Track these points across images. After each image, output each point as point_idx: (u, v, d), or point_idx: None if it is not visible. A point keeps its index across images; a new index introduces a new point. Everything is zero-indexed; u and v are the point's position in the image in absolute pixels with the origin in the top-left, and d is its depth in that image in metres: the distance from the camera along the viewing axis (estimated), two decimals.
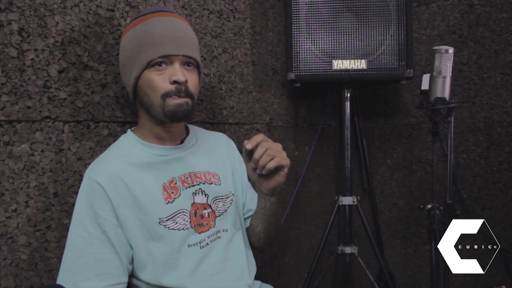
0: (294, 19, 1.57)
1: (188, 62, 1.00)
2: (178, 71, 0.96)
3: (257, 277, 1.13)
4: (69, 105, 1.07)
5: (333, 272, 2.00)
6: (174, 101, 0.96)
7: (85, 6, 1.11)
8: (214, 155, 1.14)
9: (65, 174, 1.06)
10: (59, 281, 0.91)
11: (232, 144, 1.22)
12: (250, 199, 1.19)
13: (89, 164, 1.11)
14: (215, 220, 1.04)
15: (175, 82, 0.96)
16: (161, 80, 0.96)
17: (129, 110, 1.21)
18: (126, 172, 0.97)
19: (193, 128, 1.17)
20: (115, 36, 1.18)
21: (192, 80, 0.99)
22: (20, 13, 0.98)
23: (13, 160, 0.97)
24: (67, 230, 1.04)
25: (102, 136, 1.15)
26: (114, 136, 1.17)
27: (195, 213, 1.01)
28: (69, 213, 1.07)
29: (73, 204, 1.08)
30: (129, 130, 1.07)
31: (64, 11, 1.06)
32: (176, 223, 0.97)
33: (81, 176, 1.10)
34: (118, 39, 1.18)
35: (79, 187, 1.09)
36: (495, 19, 1.80)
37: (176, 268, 0.97)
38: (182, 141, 1.09)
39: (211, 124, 1.50)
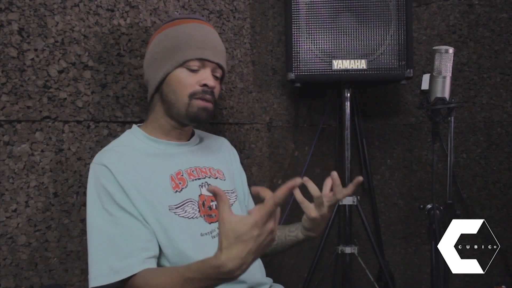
0: (294, 19, 1.57)
1: (216, 71, 1.05)
2: (209, 76, 1.01)
3: None
4: (69, 105, 1.07)
5: (333, 272, 2.01)
6: (199, 103, 1.00)
7: (85, 6, 1.11)
8: (218, 155, 1.16)
9: (65, 174, 1.06)
10: (93, 271, 0.88)
11: (234, 152, 1.25)
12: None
13: (89, 164, 1.11)
14: None
15: (204, 85, 1.00)
16: (191, 81, 1.00)
17: (129, 110, 1.21)
18: (133, 160, 0.97)
19: (197, 131, 1.19)
20: (115, 36, 1.18)
21: (217, 88, 1.05)
22: (20, 13, 0.98)
23: (13, 160, 0.97)
24: (67, 230, 1.04)
25: (102, 136, 1.15)
26: (114, 136, 1.17)
27: (203, 204, 1.02)
28: (69, 213, 1.07)
29: (73, 204, 1.08)
30: (134, 125, 1.08)
31: (64, 11, 1.06)
32: (186, 212, 0.98)
33: (81, 176, 1.10)
34: (118, 39, 1.18)
35: (79, 187, 1.09)
36: (495, 19, 1.80)
37: (191, 257, 0.93)
38: (187, 140, 1.11)
39: (211, 124, 1.50)
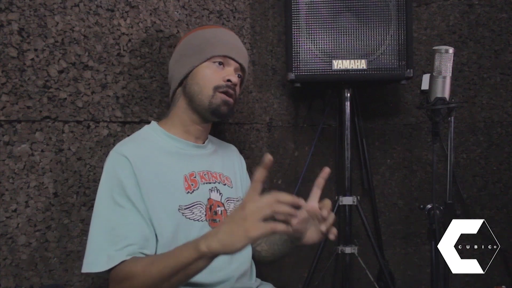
0: (294, 19, 1.57)
1: (238, 73, 1.12)
2: (233, 73, 1.09)
3: (256, 276, 1.14)
4: (69, 105, 1.07)
5: (333, 272, 2.00)
6: (222, 96, 1.06)
7: (85, 6, 1.11)
8: (228, 161, 1.19)
9: (65, 174, 1.06)
10: (89, 256, 0.90)
11: (242, 161, 1.27)
12: None
13: (89, 164, 1.11)
14: None
15: (228, 81, 1.07)
16: (216, 75, 1.07)
17: (129, 110, 1.21)
18: (152, 154, 1.00)
19: (210, 136, 1.21)
20: (115, 36, 1.18)
21: (238, 87, 1.12)
22: (20, 13, 0.98)
23: (13, 160, 0.97)
24: (67, 230, 1.04)
25: (102, 136, 1.15)
26: (114, 136, 1.18)
27: (210, 208, 1.04)
28: (69, 213, 1.07)
29: (73, 204, 1.08)
30: (153, 121, 1.10)
31: (64, 11, 1.06)
32: (193, 213, 1.00)
33: (81, 176, 1.10)
34: (118, 39, 1.18)
35: (79, 187, 1.09)
36: (495, 19, 1.80)
37: None
38: (203, 143, 1.14)
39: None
